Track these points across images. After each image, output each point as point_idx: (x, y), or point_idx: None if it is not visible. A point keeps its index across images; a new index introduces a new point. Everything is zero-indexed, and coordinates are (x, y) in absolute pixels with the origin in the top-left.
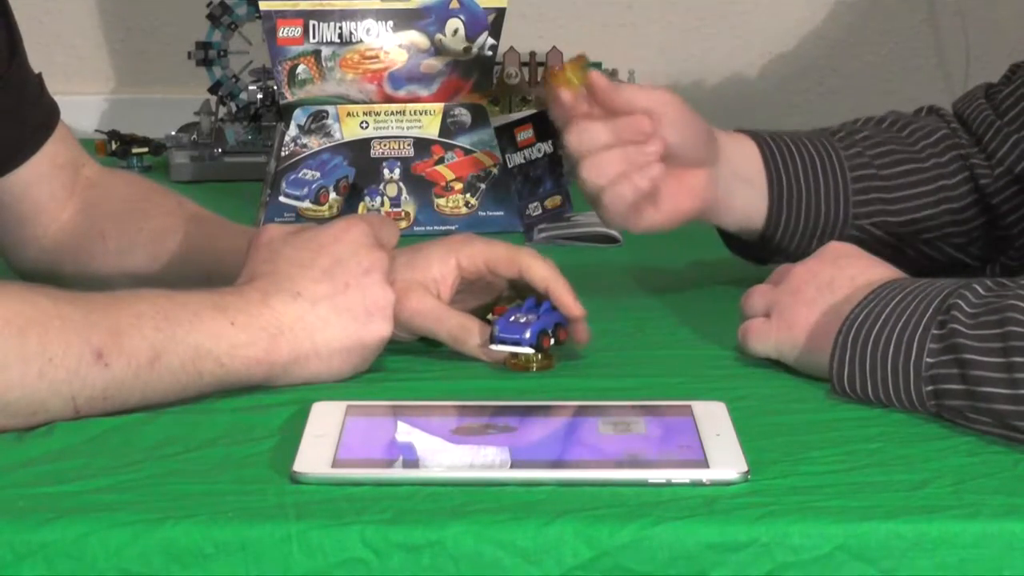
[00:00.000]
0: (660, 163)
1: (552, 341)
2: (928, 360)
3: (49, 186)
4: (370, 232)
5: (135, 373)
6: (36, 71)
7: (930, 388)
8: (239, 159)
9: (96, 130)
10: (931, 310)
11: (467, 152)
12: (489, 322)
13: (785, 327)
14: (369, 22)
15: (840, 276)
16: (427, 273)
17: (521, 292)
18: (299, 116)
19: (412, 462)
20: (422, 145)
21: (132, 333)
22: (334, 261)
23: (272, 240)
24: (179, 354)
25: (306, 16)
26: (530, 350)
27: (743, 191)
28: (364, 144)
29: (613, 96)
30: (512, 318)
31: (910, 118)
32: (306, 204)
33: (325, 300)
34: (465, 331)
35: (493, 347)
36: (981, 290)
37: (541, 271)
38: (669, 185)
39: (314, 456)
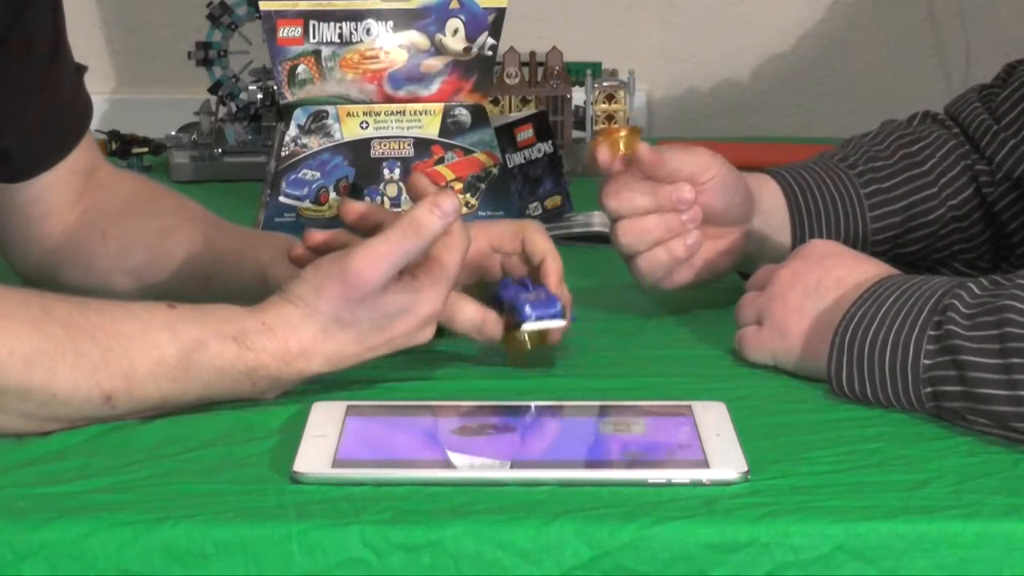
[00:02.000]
0: (697, 231)
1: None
2: (925, 362)
3: (63, 190)
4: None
5: (139, 413)
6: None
7: (928, 390)
8: (239, 159)
9: (96, 130)
10: (926, 310)
11: (467, 152)
12: (501, 305)
13: (778, 336)
14: (369, 22)
15: (826, 278)
16: None
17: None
18: (299, 116)
19: (412, 462)
20: (422, 145)
21: (147, 382)
22: (384, 351)
23: (356, 310)
24: (186, 401)
25: (306, 16)
26: (563, 322)
27: (773, 239)
28: (364, 144)
29: (658, 167)
30: (523, 296)
31: (917, 132)
32: (306, 204)
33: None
34: (456, 308)
35: (528, 326)
36: (976, 289)
37: (542, 243)
38: (705, 246)
39: (314, 456)
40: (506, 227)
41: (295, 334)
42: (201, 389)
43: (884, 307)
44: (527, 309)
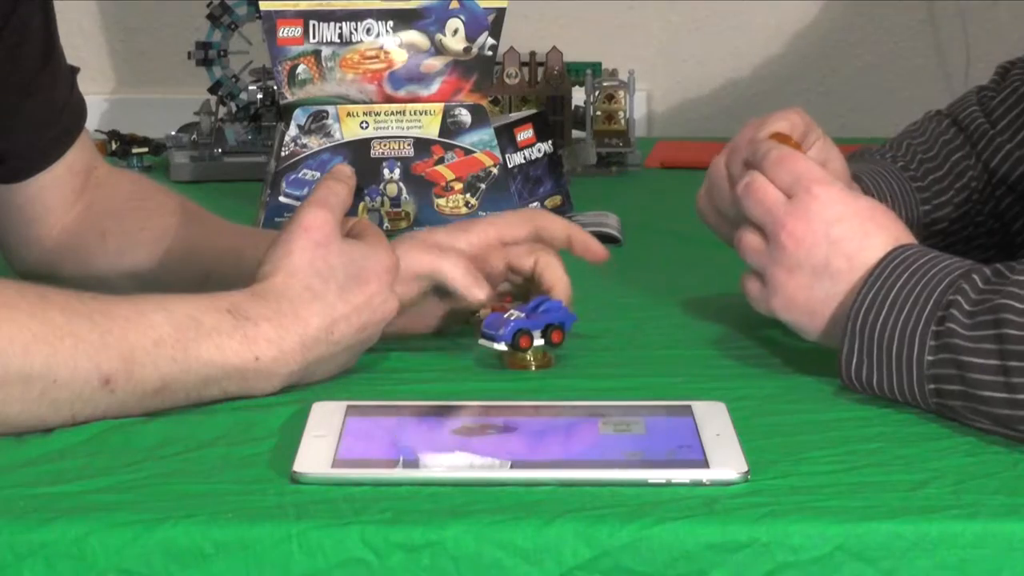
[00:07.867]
0: None
1: (535, 342)
2: (929, 358)
3: (61, 190)
4: (394, 276)
5: (139, 399)
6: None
7: (932, 386)
8: (239, 159)
9: (96, 130)
10: (931, 302)
11: (467, 152)
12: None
13: (783, 308)
14: (369, 22)
15: (835, 255)
16: (431, 239)
17: (523, 293)
18: (299, 116)
19: (412, 462)
20: (422, 145)
21: (145, 362)
22: (370, 323)
23: (328, 256)
24: (187, 383)
25: (306, 16)
26: (503, 347)
27: None
28: (364, 144)
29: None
30: (506, 315)
31: (937, 144)
32: None
33: (348, 349)
34: (450, 266)
35: (480, 341)
36: (980, 283)
37: (559, 227)
38: None
39: (314, 456)
40: (512, 217)
41: (284, 297)
42: (202, 368)
43: (893, 291)
44: (482, 325)
